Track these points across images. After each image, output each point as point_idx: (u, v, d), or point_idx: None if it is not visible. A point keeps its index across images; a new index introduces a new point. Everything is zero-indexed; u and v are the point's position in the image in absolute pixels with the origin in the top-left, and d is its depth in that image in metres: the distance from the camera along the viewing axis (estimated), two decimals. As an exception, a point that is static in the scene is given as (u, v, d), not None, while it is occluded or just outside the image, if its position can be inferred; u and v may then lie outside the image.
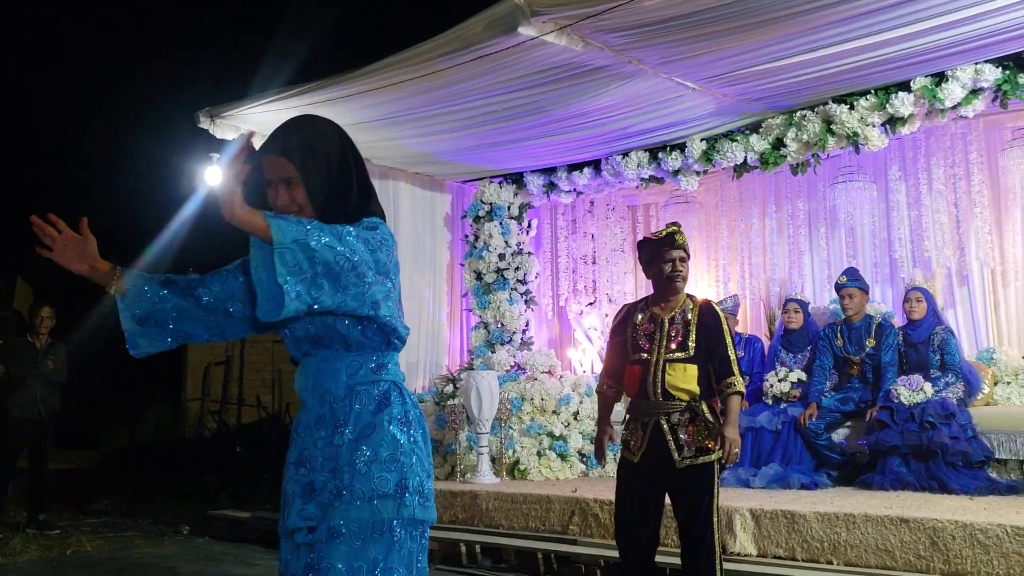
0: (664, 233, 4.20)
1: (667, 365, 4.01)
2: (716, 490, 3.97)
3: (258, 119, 7.30)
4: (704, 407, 3.99)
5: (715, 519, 3.94)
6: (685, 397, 3.99)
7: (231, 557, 6.82)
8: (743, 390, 4.01)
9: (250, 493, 9.02)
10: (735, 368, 4.00)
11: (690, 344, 4.02)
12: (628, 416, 4.16)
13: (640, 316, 4.19)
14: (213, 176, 7.75)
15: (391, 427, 2.21)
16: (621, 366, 4.22)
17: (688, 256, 4.18)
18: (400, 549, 2.18)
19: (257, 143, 2.19)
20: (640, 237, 9.04)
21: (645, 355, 4.08)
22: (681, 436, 3.95)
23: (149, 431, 13.56)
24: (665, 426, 3.97)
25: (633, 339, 4.16)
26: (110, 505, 9.55)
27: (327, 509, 2.14)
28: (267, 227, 2.00)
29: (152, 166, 14.15)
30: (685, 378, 3.99)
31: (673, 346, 4.04)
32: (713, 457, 3.95)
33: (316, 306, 2.04)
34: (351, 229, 2.13)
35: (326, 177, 2.25)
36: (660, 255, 4.15)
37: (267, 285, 2.03)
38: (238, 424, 11.00)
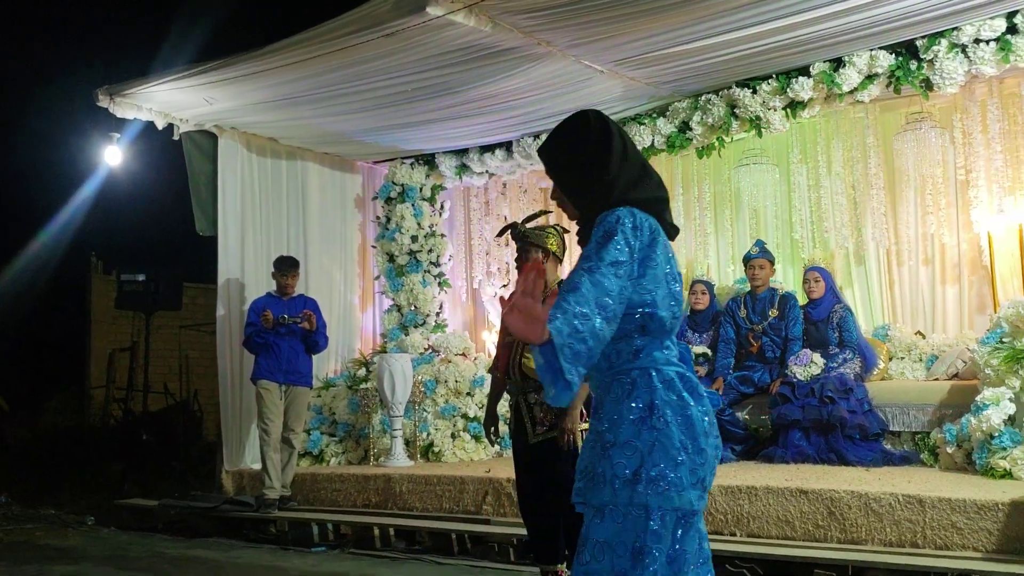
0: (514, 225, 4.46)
1: (524, 347, 4.19)
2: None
3: (161, 97, 7.11)
4: None
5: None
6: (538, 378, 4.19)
7: (138, 546, 6.68)
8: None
9: (157, 482, 8.83)
10: None
11: None
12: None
13: None
14: (112, 156, 7.52)
15: (632, 415, 2.28)
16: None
17: (532, 245, 4.33)
18: (624, 532, 2.25)
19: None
20: (552, 220, 9.20)
21: (510, 337, 4.27)
22: (537, 414, 4.22)
23: (52, 420, 13.11)
24: (523, 405, 4.26)
25: None
26: (11, 497, 9.23)
27: (586, 488, 2.30)
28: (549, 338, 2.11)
29: (49, 145, 13.61)
30: None
31: None
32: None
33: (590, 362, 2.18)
34: (586, 276, 2.17)
35: (562, 180, 2.41)
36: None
37: (552, 379, 2.16)
38: (144, 412, 10.75)
